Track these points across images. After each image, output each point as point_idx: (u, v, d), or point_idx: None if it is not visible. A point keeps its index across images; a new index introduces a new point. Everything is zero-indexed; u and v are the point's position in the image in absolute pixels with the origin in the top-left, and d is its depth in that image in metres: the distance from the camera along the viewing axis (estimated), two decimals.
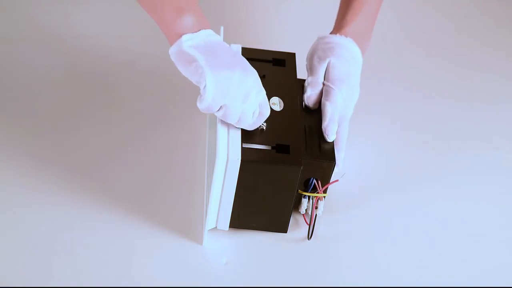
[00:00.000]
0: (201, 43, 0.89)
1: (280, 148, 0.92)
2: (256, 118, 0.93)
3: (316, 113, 1.00)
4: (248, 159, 0.90)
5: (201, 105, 0.89)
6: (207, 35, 0.89)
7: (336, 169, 0.96)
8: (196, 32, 0.89)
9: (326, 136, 0.97)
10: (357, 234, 1.00)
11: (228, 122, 0.92)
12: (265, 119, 0.94)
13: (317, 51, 1.03)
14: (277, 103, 0.98)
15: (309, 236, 0.98)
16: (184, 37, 0.88)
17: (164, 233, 0.97)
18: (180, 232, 0.97)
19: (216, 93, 0.88)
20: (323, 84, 1.01)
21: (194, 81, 0.89)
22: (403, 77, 1.26)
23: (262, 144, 0.92)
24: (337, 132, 0.98)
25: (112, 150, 1.07)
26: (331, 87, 1.00)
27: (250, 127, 0.93)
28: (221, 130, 0.92)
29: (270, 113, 0.95)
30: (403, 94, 1.23)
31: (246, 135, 0.92)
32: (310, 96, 1.00)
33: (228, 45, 0.92)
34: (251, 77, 0.91)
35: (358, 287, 0.95)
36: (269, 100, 0.97)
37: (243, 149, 0.91)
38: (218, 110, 0.90)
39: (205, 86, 0.88)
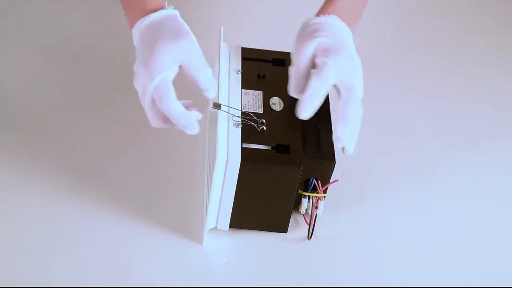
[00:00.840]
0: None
1: (280, 148, 0.92)
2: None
3: (316, 112, 1.00)
4: (248, 159, 0.90)
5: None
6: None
7: (342, 151, 0.90)
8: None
9: (297, 113, 0.90)
10: (357, 234, 1.00)
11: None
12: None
13: (300, 35, 0.94)
14: (277, 103, 0.98)
15: (309, 236, 0.98)
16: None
17: (164, 233, 0.97)
18: (180, 232, 0.97)
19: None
20: (314, 62, 0.92)
21: None
22: (403, 77, 1.26)
23: (262, 144, 0.92)
24: (345, 109, 0.90)
25: (112, 150, 1.07)
26: (322, 60, 0.90)
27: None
28: (221, 130, 0.92)
29: (270, 113, 0.95)
30: (403, 94, 1.23)
31: (246, 135, 0.92)
32: (293, 85, 0.92)
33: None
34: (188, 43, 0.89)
35: (358, 287, 0.95)
36: (269, 100, 0.97)
37: (243, 149, 0.91)
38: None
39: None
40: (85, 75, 1.19)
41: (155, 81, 0.88)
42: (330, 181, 0.96)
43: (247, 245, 0.97)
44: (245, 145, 0.91)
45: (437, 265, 0.98)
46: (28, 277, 0.91)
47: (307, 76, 0.92)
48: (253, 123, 0.94)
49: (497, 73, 1.29)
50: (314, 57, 0.92)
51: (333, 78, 0.90)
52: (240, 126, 0.93)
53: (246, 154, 0.90)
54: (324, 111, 1.00)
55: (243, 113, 0.95)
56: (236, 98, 0.96)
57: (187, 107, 0.90)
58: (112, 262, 0.94)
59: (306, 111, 0.90)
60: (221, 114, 0.94)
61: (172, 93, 0.88)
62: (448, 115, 1.20)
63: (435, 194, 1.07)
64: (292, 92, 0.93)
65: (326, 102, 1.01)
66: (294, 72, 0.93)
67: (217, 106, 0.94)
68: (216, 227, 0.97)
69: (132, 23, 0.93)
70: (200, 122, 1.11)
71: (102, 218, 0.98)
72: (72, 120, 1.11)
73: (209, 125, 1.09)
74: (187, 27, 0.92)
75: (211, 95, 0.91)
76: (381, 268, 0.97)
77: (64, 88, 1.16)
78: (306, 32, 0.94)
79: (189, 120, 0.89)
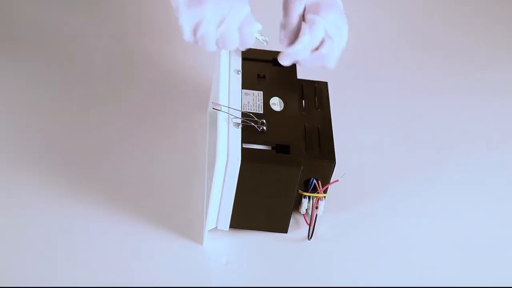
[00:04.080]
0: None
1: (280, 148, 0.92)
2: (241, 39, 0.93)
3: (316, 113, 1.00)
4: (248, 160, 0.90)
5: (183, 38, 0.92)
6: None
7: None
8: None
9: (280, 58, 0.96)
10: (358, 234, 1.00)
11: (208, 50, 0.93)
12: (249, 42, 0.94)
13: None
14: (277, 103, 0.98)
15: (310, 236, 0.98)
16: None
17: (164, 233, 0.97)
18: (180, 233, 0.97)
19: (190, 30, 0.91)
20: (304, 19, 0.97)
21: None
22: (403, 77, 1.26)
23: (262, 144, 0.92)
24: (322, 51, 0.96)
25: (112, 150, 1.07)
26: (312, 17, 0.95)
27: (239, 47, 0.94)
28: (221, 131, 0.92)
29: (270, 113, 0.95)
30: (403, 94, 1.23)
31: (246, 136, 0.92)
32: (283, 39, 0.97)
33: None
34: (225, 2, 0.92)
35: (358, 287, 0.95)
36: (269, 100, 0.97)
37: (243, 149, 0.91)
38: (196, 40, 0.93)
39: (180, 25, 0.91)
40: (85, 74, 1.19)
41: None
42: (331, 181, 0.96)
43: (247, 245, 0.97)
44: (245, 146, 0.91)
45: (437, 265, 0.98)
46: (28, 277, 0.91)
47: (297, 30, 0.96)
48: (253, 124, 0.94)
49: (497, 72, 1.29)
50: (304, 12, 0.96)
51: (322, 33, 0.95)
52: (240, 126, 0.93)
53: (246, 155, 0.90)
54: (324, 112, 1.00)
55: (243, 114, 0.95)
56: (236, 99, 0.96)
57: None
58: (112, 262, 0.94)
59: (289, 60, 0.96)
60: (221, 115, 0.94)
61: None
62: (448, 114, 1.20)
63: (435, 194, 1.07)
64: (282, 45, 0.97)
65: (327, 103, 1.01)
66: (285, 27, 0.97)
67: (217, 106, 0.94)
68: (216, 227, 0.97)
69: None
70: (200, 122, 1.12)
71: (102, 219, 0.98)
72: (72, 120, 1.11)
73: (209, 126, 1.09)
74: None
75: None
76: (381, 268, 0.97)
77: (64, 87, 1.16)
78: None
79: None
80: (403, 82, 1.25)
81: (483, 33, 1.38)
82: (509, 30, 1.39)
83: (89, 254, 0.94)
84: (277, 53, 1.03)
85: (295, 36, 0.97)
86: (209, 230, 0.96)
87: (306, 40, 0.94)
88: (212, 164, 0.95)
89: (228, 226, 0.97)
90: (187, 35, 0.92)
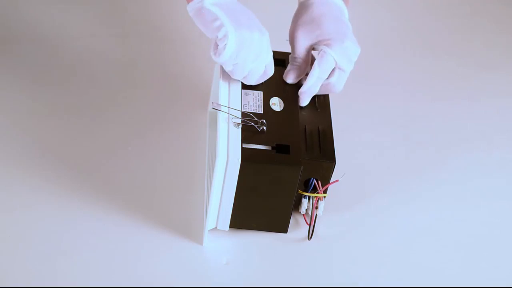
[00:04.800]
0: (222, 1, 0.94)
1: (280, 148, 0.92)
2: (260, 76, 0.97)
3: (316, 113, 1.00)
4: (248, 159, 0.90)
5: (217, 59, 0.94)
6: None
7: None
8: None
9: (300, 101, 0.99)
10: (358, 234, 1.00)
11: (235, 78, 0.97)
12: (268, 77, 0.98)
13: (299, 21, 1.01)
14: (277, 103, 0.98)
15: (310, 236, 0.98)
16: None
17: (164, 233, 0.97)
18: (180, 233, 0.97)
19: (235, 52, 0.93)
20: (315, 49, 1.00)
21: (212, 37, 0.94)
22: (403, 77, 1.26)
23: (262, 144, 0.92)
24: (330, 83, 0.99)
25: (112, 150, 1.07)
26: (323, 49, 0.98)
27: (253, 82, 0.98)
28: (221, 131, 0.92)
29: (270, 113, 0.95)
30: (403, 94, 1.23)
31: (246, 136, 0.92)
32: (288, 71, 1.00)
33: (243, 6, 0.96)
34: (265, 39, 0.95)
35: (358, 287, 0.95)
36: (269, 100, 0.97)
37: (243, 149, 0.91)
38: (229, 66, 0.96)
39: (226, 44, 0.92)
40: (85, 75, 1.19)
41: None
42: (330, 181, 0.96)
43: (247, 245, 0.97)
44: (245, 146, 0.91)
45: (437, 264, 0.98)
46: (28, 277, 0.91)
47: (304, 64, 1.00)
48: (253, 124, 0.94)
49: (496, 73, 1.29)
50: (317, 43, 0.99)
51: (332, 65, 0.98)
52: (240, 126, 0.93)
53: (246, 155, 0.90)
54: (324, 111, 1.00)
55: (243, 114, 0.95)
56: (236, 99, 0.96)
57: None
58: (113, 263, 0.94)
59: (308, 99, 0.99)
60: (221, 115, 0.94)
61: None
62: (448, 115, 1.20)
63: (435, 194, 1.07)
64: (288, 80, 1.01)
65: (327, 103, 1.01)
66: (291, 61, 1.00)
67: (217, 106, 0.94)
68: (216, 227, 0.97)
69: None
70: (200, 122, 1.12)
71: (102, 219, 0.98)
72: (71, 120, 1.11)
73: (209, 126, 1.09)
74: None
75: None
76: (381, 268, 0.97)
77: (64, 87, 1.16)
78: (304, 20, 1.00)
79: None
80: (403, 82, 1.25)
81: (483, 34, 1.38)
82: (509, 29, 1.39)
83: (89, 254, 0.94)
84: (278, 53, 1.03)
85: (300, 70, 1.00)
86: (209, 230, 0.96)
87: (316, 74, 0.97)
88: (212, 164, 0.95)
89: (228, 226, 0.97)
90: (226, 56, 0.94)
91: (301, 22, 1.00)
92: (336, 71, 0.98)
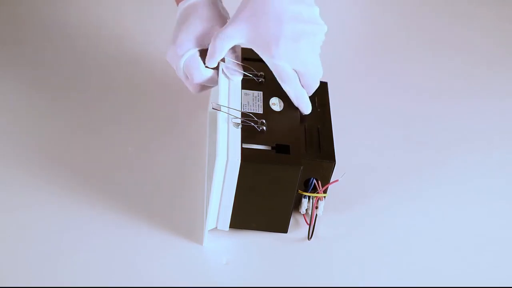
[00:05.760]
0: None
1: (280, 148, 0.92)
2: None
3: (316, 112, 1.00)
4: (248, 160, 0.90)
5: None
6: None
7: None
8: None
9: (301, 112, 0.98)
10: (358, 234, 1.00)
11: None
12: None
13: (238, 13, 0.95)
14: (277, 103, 0.98)
15: (310, 236, 0.98)
16: None
17: (164, 233, 0.97)
18: (180, 233, 0.97)
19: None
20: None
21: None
22: (403, 77, 1.26)
23: (262, 144, 0.92)
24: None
25: (112, 151, 1.07)
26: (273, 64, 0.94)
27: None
28: (221, 131, 0.92)
29: (270, 113, 0.95)
30: (403, 94, 1.23)
31: (246, 136, 0.92)
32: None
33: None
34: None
35: (358, 287, 0.95)
36: (269, 100, 0.97)
37: (243, 149, 0.91)
38: None
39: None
40: (85, 74, 1.19)
41: (183, 60, 0.96)
42: (330, 181, 0.96)
43: (247, 245, 0.97)
44: (245, 146, 0.91)
45: (437, 265, 0.98)
46: (28, 277, 0.91)
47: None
48: (253, 124, 0.94)
49: (497, 72, 1.29)
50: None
51: (289, 71, 0.95)
52: (240, 126, 0.93)
53: (246, 155, 0.90)
54: (324, 111, 1.00)
55: (243, 114, 0.95)
56: (236, 99, 0.96)
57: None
58: (113, 263, 0.94)
59: (306, 108, 0.98)
60: (221, 115, 0.94)
61: (201, 67, 0.97)
62: (448, 115, 1.20)
63: (435, 194, 1.07)
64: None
65: (327, 102, 1.01)
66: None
67: (217, 106, 0.94)
68: (216, 227, 0.97)
69: (177, 3, 1.00)
70: (200, 122, 1.12)
71: (102, 219, 0.98)
72: (71, 120, 1.11)
73: (209, 126, 1.09)
74: (225, 14, 0.98)
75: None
76: (381, 268, 0.97)
77: (64, 88, 1.16)
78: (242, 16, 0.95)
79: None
80: (403, 82, 1.25)
81: (484, 33, 1.38)
82: (509, 29, 1.39)
83: (89, 254, 0.94)
84: None
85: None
86: (209, 230, 0.96)
87: (287, 88, 0.96)
88: (212, 164, 0.95)
89: (228, 226, 0.97)
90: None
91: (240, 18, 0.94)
92: (298, 74, 0.95)
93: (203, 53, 0.98)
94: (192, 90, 1.00)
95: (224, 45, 0.94)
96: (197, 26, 0.96)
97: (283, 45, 0.92)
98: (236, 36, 0.94)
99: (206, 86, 1.00)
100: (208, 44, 0.96)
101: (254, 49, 0.95)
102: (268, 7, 0.92)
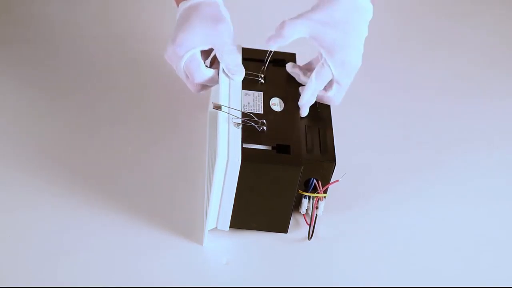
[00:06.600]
0: None
1: (280, 148, 0.92)
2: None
3: (316, 112, 1.00)
4: (248, 160, 0.90)
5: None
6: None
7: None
8: None
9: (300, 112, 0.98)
10: (358, 235, 1.00)
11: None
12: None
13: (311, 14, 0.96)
14: (277, 103, 0.98)
15: (310, 236, 0.98)
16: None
17: (164, 233, 0.97)
18: (180, 233, 0.97)
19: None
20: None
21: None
22: (403, 77, 1.26)
23: (263, 144, 0.92)
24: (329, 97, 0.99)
25: (112, 150, 1.07)
26: (324, 61, 0.96)
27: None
28: (222, 131, 0.92)
29: (271, 113, 0.96)
30: (403, 94, 1.23)
31: (247, 136, 0.92)
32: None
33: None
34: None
35: (358, 287, 0.95)
36: (269, 100, 0.97)
37: (243, 149, 0.91)
38: None
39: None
40: (85, 74, 1.19)
41: (184, 60, 0.96)
42: (331, 182, 0.96)
43: (248, 245, 0.97)
44: (245, 146, 0.91)
45: (437, 265, 0.98)
46: (28, 277, 0.91)
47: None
48: (253, 124, 0.94)
49: (497, 71, 1.29)
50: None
51: (329, 77, 0.97)
52: (241, 126, 0.93)
53: (246, 155, 0.90)
54: (324, 112, 1.00)
55: (243, 114, 0.95)
56: (236, 99, 0.96)
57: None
58: (113, 263, 0.94)
59: (307, 110, 0.99)
60: (222, 115, 0.94)
61: (201, 67, 0.97)
62: (448, 115, 1.20)
63: (435, 194, 1.07)
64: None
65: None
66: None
67: (218, 107, 0.94)
68: (216, 227, 0.97)
69: (177, 3, 1.01)
70: (200, 122, 1.12)
71: (102, 219, 0.98)
72: (71, 120, 1.11)
73: (210, 126, 1.09)
74: (225, 14, 0.98)
75: (237, 79, 0.98)
76: (381, 268, 0.97)
77: (64, 88, 1.16)
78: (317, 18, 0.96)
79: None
80: (403, 82, 1.25)
81: (485, 32, 1.37)
82: (510, 29, 1.39)
83: (89, 254, 0.94)
84: (277, 53, 1.03)
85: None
86: (209, 230, 0.96)
87: (312, 86, 0.97)
88: (212, 164, 0.95)
89: (228, 226, 0.97)
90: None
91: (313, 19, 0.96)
92: (334, 85, 0.97)
93: (203, 53, 0.98)
94: (193, 89, 1.00)
95: (292, 33, 0.95)
96: (198, 26, 0.96)
97: (351, 59, 0.96)
98: (303, 31, 0.95)
99: (206, 86, 1.00)
100: (209, 45, 0.97)
101: (316, 44, 0.95)
102: (354, 20, 0.96)
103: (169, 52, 0.97)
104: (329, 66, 0.95)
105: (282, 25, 0.95)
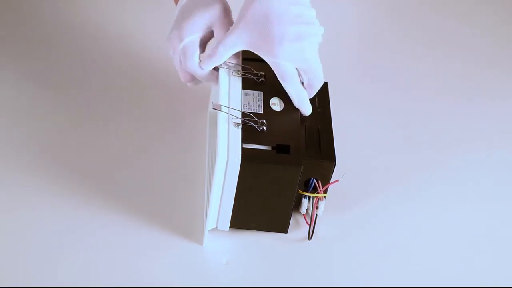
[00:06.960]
0: None
1: (280, 148, 0.92)
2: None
3: (316, 112, 1.00)
4: (248, 160, 0.90)
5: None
6: None
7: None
8: None
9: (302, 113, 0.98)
10: (358, 235, 1.00)
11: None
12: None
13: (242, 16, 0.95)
14: (277, 103, 0.98)
15: (310, 236, 0.98)
16: None
17: (164, 233, 0.97)
18: (180, 233, 0.97)
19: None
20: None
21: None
22: (403, 77, 1.26)
23: (262, 144, 0.92)
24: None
25: (112, 150, 1.07)
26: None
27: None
28: (221, 131, 0.92)
29: (270, 113, 0.95)
30: (403, 94, 1.23)
31: (247, 136, 0.92)
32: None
33: None
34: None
35: (358, 287, 0.95)
36: (269, 100, 0.97)
37: (243, 149, 0.91)
38: None
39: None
40: (85, 75, 1.19)
41: (183, 43, 0.97)
42: (331, 181, 0.96)
43: (248, 245, 0.97)
44: (245, 146, 0.91)
45: (437, 265, 0.98)
46: (28, 277, 0.91)
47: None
48: (253, 124, 0.94)
49: (497, 72, 1.29)
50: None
51: (291, 69, 0.95)
52: (240, 126, 0.93)
53: (246, 155, 0.90)
54: (324, 111, 1.00)
55: (243, 114, 0.95)
56: (236, 99, 0.96)
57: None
58: (113, 263, 0.94)
59: (307, 109, 0.98)
60: (221, 115, 0.94)
61: (196, 55, 0.97)
62: (448, 115, 1.20)
63: (435, 194, 1.07)
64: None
65: (327, 102, 1.01)
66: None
67: (217, 106, 0.94)
68: (216, 227, 0.97)
69: (176, 2, 1.02)
70: (200, 122, 1.12)
71: (102, 219, 0.98)
72: (71, 120, 1.11)
73: (209, 126, 1.09)
74: (226, 3, 0.98)
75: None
76: (381, 268, 0.97)
77: (64, 88, 1.16)
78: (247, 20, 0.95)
79: (210, 79, 0.99)
80: (403, 82, 1.25)
81: (485, 32, 1.37)
82: (509, 29, 1.39)
83: (89, 254, 0.94)
84: None
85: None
86: (209, 230, 0.96)
87: (288, 87, 0.96)
88: (212, 164, 0.95)
89: (228, 226, 0.97)
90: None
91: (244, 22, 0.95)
92: (301, 72, 0.96)
93: (203, 44, 0.99)
94: (182, 78, 1.00)
95: (225, 53, 0.96)
96: (201, 13, 0.96)
97: (287, 44, 0.93)
98: (238, 44, 0.95)
99: (196, 79, 1.00)
100: (210, 32, 0.97)
101: (256, 52, 0.95)
102: (270, 10, 0.93)
103: (173, 35, 0.98)
104: (281, 64, 0.95)
105: (215, 45, 0.97)
